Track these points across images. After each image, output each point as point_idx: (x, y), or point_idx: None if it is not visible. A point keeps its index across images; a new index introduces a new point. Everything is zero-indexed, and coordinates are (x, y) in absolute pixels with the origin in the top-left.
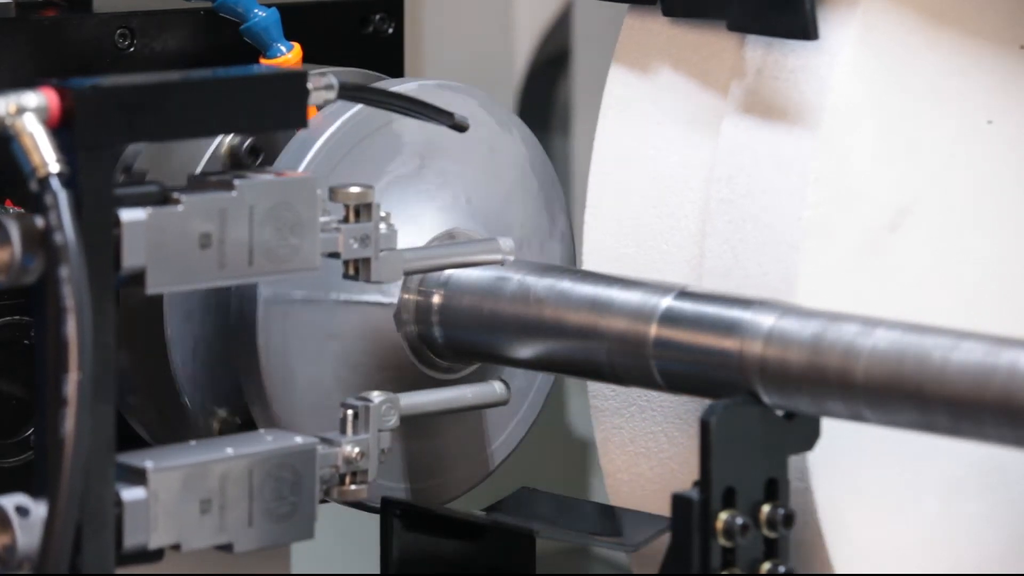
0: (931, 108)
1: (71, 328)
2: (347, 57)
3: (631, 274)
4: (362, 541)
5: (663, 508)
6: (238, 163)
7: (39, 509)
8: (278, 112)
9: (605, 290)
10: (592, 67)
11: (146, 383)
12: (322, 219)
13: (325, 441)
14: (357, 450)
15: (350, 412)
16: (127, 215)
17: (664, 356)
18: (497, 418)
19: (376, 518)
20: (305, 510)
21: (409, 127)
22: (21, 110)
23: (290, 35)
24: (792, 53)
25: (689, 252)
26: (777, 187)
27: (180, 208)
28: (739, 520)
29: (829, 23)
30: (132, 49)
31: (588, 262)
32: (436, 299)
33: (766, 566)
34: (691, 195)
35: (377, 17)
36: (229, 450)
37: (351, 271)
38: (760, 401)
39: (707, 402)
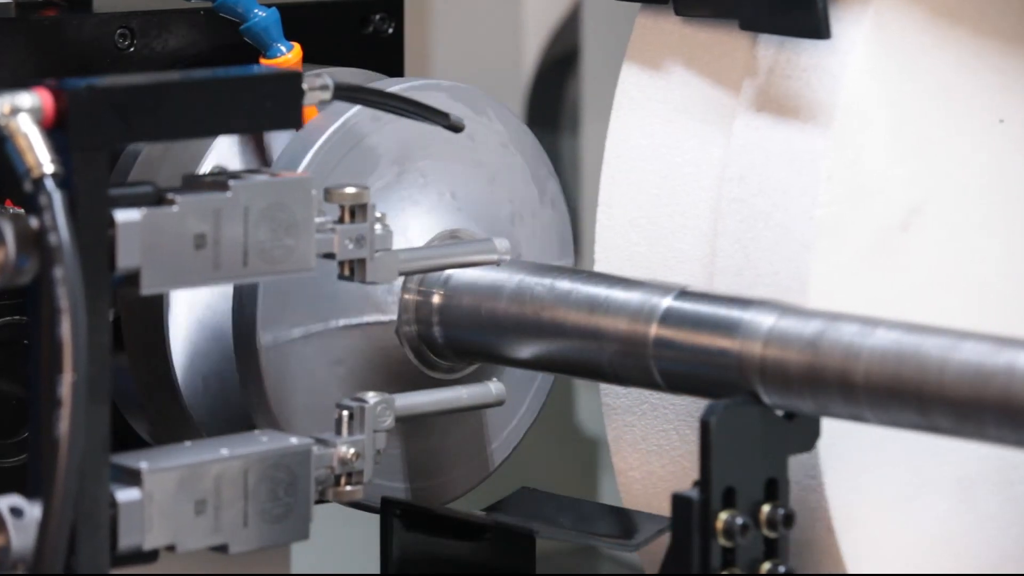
0: (943, 107)
1: (65, 329)
2: (347, 57)
3: (643, 272)
4: (362, 541)
5: None
6: None
7: (34, 510)
8: (273, 113)
9: (605, 290)
10: (601, 66)
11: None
12: (317, 220)
13: (320, 442)
14: (352, 451)
15: (345, 413)
16: (122, 216)
17: (664, 356)
18: (497, 418)
19: (376, 518)
20: (300, 511)
21: (384, 138)
22: (15, 111)
23: (290, 35)
24: (804, 52)
25: (701, 251)
26: (789, 186)
27: (175, 209)
28: (739, 520)
29: (841, 22)
30: (132, 49)
31: (600, 260)
32: (436, 299)
33: (766, 566)
34: (703, 194)
35: (377, 17)
36: (224, 451)
37: (346, 272)
38: (760, 401)
39: None
